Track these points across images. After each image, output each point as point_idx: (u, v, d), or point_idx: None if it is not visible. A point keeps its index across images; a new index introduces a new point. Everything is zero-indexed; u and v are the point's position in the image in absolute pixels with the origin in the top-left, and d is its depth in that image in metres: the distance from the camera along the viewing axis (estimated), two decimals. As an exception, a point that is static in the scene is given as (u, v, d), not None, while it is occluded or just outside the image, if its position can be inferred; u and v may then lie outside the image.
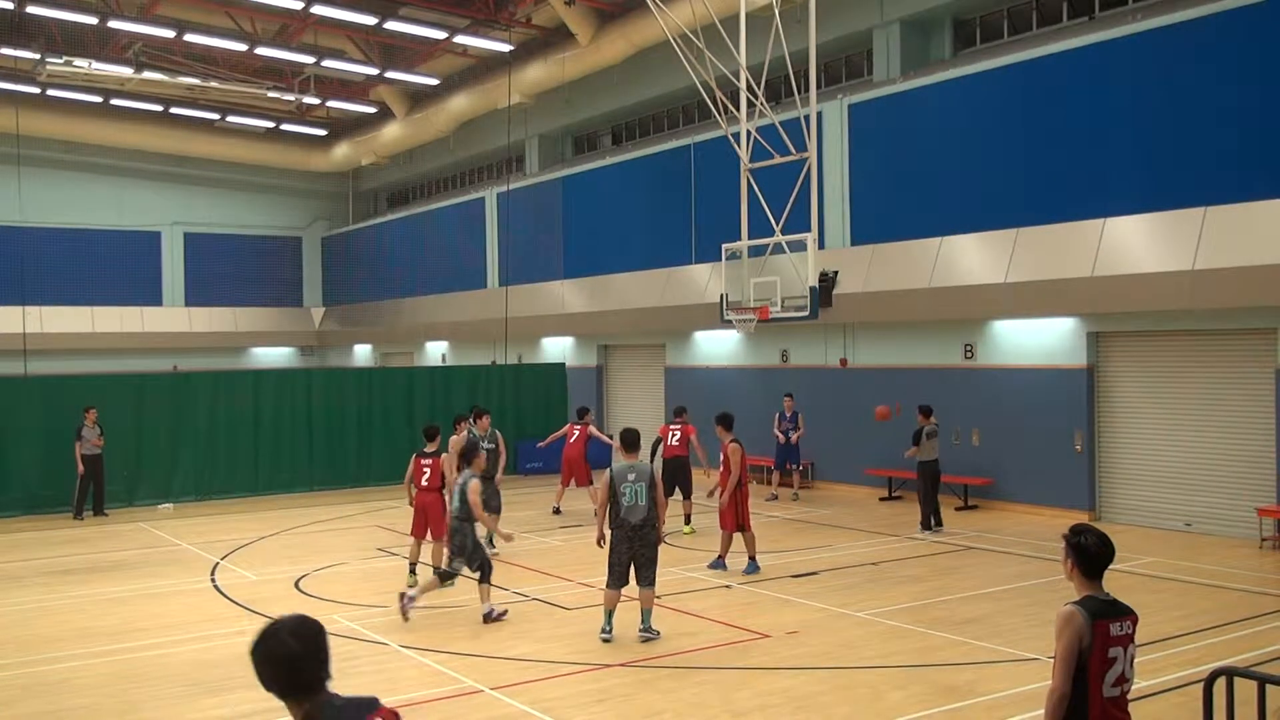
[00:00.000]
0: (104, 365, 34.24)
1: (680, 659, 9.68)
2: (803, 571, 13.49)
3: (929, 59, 21.19)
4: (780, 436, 20.23)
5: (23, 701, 8.82)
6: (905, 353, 20.07)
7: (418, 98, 34.29)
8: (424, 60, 30.32)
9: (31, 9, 25.17)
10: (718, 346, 24.15)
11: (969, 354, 19.01)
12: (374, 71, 30.21)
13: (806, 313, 16.73)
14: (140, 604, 12.43)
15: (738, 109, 18.34)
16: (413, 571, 12.98)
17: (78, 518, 19.12)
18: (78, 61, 27.52)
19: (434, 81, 31.48)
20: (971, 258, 18.34)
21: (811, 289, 16.53)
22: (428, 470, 13.02)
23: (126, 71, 28.60)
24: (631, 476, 10.20)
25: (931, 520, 16.24)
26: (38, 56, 27.29)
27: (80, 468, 19.03)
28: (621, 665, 9.51)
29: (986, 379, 18.58)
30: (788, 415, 20.27)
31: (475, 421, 15.89)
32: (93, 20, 25.80)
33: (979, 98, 18.71)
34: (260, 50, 28.28)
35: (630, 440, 10.69)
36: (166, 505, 20.56)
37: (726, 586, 12.73)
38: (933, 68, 20.34)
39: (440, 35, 27.33)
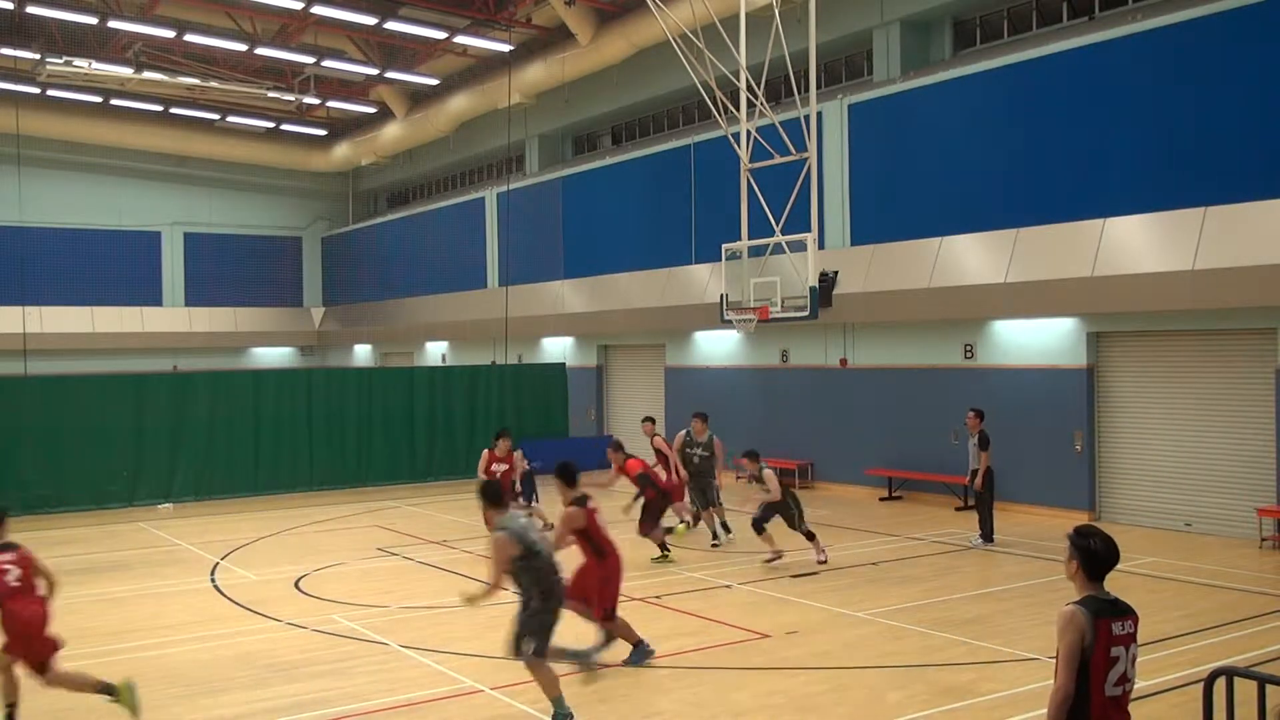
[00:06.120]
0: (104, 365, 34.25)
1: (680, 659, 9.67)
2: (803, 571, 13.50)
3: (929, 59, 21.18)
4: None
5: (22, 701, 8.81)
6: (905, 353, 20.06)
7: (418, 98, 34.28)
8: (424, 60, 30.31)
9: (31, 9, 25.18)
10: (718, 346, 24.14)
11: (969, 354, 19.00)
12: (374, 71, 30.21)
13: (806, 313, 16.71)
14: (139, 604, 12.43)
15: (738, 109, 18.32)
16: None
17: None
18: (78, 61, 27.51)
19: (434, 81, 31.48)
20: (971, 258, 18.33)
21: (811, 289, 16.51)
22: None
23: (126, 71, 28.59)
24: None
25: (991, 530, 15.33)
26: (38, 56, 27.28)
27: None
28: (622, 665, 9.50)
29: (986, 379, 18.57)
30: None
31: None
32: (93, 20, 25.81)
33: (979, 98, 18.71)
34: (260, 50, 28.27)
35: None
36: (166, 505, 20.56)
37: (726, 586, 12.72)
38: (933, 68, 20.33)
39: (440, 35, 27.33)
